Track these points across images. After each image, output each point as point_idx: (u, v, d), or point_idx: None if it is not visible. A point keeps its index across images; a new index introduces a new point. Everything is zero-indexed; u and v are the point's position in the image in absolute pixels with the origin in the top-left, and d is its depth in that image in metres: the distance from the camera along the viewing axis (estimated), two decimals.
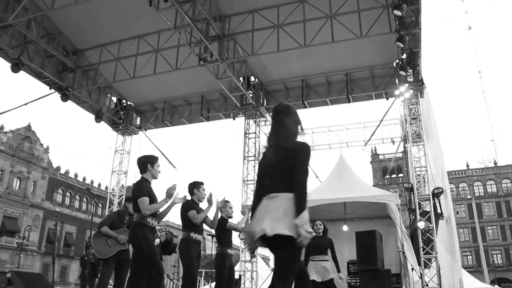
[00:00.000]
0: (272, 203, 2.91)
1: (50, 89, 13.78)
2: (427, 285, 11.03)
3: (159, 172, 5.15)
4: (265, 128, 16.26)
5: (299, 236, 2.73)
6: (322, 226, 7.47)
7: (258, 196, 3.06)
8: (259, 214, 2.93)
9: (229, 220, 6.56)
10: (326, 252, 7.34)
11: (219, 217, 6.36)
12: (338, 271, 7.31)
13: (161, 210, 5.09)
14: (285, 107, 3.34)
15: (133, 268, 4.91)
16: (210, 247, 11.33)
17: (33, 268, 39.89)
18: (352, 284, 12.84)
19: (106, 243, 6.52)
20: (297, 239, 2.74)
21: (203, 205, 6.04)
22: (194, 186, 6.01)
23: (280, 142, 3.11)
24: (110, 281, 7.18)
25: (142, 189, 4.81)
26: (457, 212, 52.49)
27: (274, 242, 2.83)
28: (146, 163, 5.04)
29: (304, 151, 3.01)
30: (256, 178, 3.32)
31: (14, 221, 42.52)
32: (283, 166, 2.97)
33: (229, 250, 6.48)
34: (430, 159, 12.70)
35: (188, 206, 5.67)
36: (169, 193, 5.00)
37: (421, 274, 11.13)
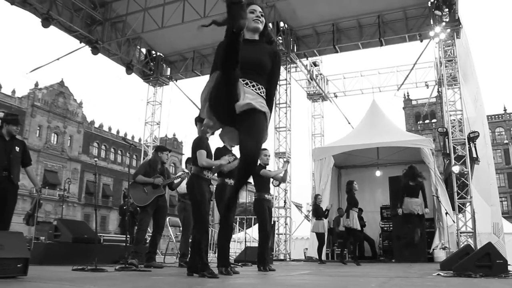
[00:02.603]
0: None
1: (80, 43, 13.89)
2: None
3: None
4: (296, 74, 16.03)
5: None
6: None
7: None
8: None
9: (266, 167, 6.66)
10: None
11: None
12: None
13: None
14: None
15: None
16: (244, 196, 11.47)
17: (75, 218, 41.72)
18: (385, 228, 12.97)
19: (143, 191, 6.80)
20: None
21: (236, 150, 6.09)
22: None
23: None
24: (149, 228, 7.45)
25: (201, 143, 5.24)
26: (493, 158, 51.39)
27: None
28: None
29: None
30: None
31: (54, 174, 44.26)
32: None
33: (266, 196, 6.66)
34: (469, 102, 12.32)
35: (219, 154, 5.74)
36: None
37: (455, 218, 11.09)
